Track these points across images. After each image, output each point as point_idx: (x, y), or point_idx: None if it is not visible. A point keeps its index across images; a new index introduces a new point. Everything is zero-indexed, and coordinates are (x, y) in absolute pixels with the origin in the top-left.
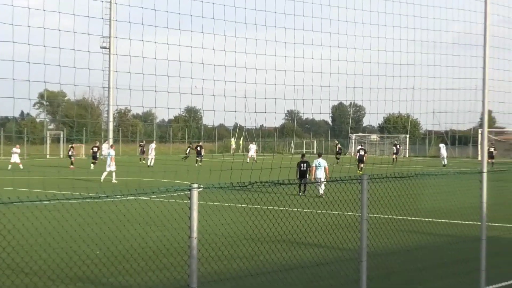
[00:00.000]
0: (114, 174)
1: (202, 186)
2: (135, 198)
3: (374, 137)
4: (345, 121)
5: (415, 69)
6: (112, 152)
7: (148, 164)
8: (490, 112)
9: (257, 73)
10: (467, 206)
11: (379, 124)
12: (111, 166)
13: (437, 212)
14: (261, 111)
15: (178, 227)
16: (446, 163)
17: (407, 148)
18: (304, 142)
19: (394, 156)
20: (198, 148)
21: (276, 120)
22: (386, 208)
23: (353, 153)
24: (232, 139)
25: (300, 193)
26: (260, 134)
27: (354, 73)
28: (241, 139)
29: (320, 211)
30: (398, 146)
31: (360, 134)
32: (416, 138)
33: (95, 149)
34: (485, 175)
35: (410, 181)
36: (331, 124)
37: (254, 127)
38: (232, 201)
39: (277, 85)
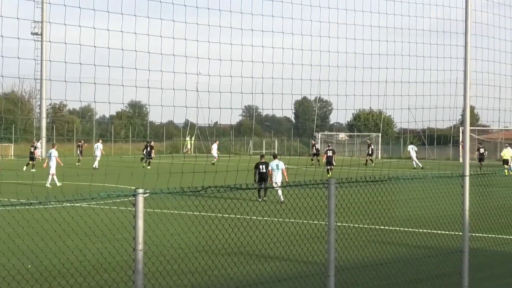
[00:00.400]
0: (50, 177)
1: (148, 191)
2: (72, 205)
3: (343, 136)
4: (309, 118)
5: (388, 60)
6: (55, 153)
7: (94, 166)
8: (472, 108)
9: (211, 63)
10: (448, 214)
11: (348, 121)
12: (52, 169)
13: (414, 220)
14: (216, 106)
15: (122, 238)
16: (420, 165)
17: (379, 148)
18: (263, 141)
19: (368, 157)
20: (148, 148)
21: (232, 117)
22: (356, 216)
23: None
24: (187, 138)
25: (260, 199)
26: (214, 133)
27: (320, 64)
28: (193, 137)
29: (282, 220)
30: (372, 147)
31: (326, 132)
32: (390, 138)
33: (32, 148)
34: (467, 179)
35: (383, 186)
36: (294, 121)
37: (207, 125)
38: (183, 208)
39: (233, 77)
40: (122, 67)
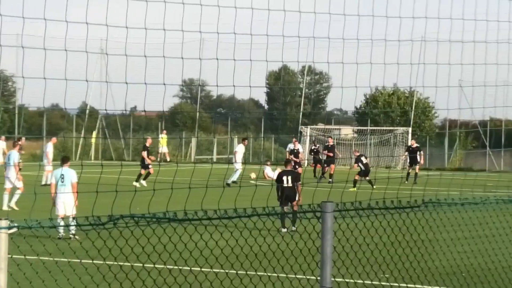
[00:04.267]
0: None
1: (15, 223)
2: None
3: (348, 132)
4: (293, 102)
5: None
6: (14, 155)
7: None
8: None
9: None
10: None
11: (356, 108)
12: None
13: (465, 275)
14: (135, 81)
15: None
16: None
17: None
18: (215, 140)
19: (409, 168)
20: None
21: (165, 99)
22: (367, 265)
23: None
24: (94, 133)
25: (284, 229)
26: (131, 125)
27: (314, 11)
28: (94, 133)
29: (245, 272)
30: (419, 151)
31: (320, 126)
32: (427, 134)
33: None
34: None
35: (413, 216)
36: (266, 106)
37: (121, 112)
38: (65, 252)
39: (167, 32)
40: None
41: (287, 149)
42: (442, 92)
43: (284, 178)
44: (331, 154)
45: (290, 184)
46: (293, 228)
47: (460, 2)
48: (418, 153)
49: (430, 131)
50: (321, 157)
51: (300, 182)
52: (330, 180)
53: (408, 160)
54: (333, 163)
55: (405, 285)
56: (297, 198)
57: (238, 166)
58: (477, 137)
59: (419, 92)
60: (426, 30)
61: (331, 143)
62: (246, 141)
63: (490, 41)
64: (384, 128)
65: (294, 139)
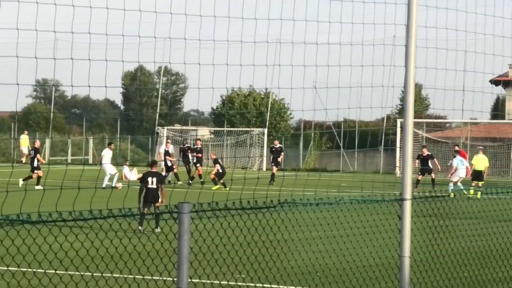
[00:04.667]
0: None
1: None
2: None
3: (205, 133)
4: (149, 103)
5: (282, 9)
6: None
7: None
8: (418, 87)
9: None
10: (371, 263)
11: (213, 109)
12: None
13: (319, 273)
14: None
15: None
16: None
17: (264, 152)
18: (69, 140)
19: (419, 176)
20: None
21: (18, 99)
22: (223, 265)
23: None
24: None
25: (142, 229)
26: None
27: (170, 12)
28: None
29: None
30: (432, 159)
31: (176, 126)
32: (283, 135)
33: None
34: (407, 205)
35: (270, 215)
36: (122, 107)
37: None
38: None
39: (20, 31)
40: None
41: (160, 150)
42: (297, 94)
43: (149, 179)
44: (200, 155)
45: (154, 186)
46: (158, 230)
47: (315, 5)
48: (430, 161)
49: (286, 132)
50: (191, 159)
51: (164, 184)
52: (202, 180)
53: (420, 168)
54: (201, 164)
55: (261, 285)
56: (160, 200)
57: (111, 170)
58: (332, 138)
59: (274, 94)
60: (281, 32)
61: (200, 145)
62: (113, 145)
63: (343, 43)
64: (241, 129)
65: (168, 140)
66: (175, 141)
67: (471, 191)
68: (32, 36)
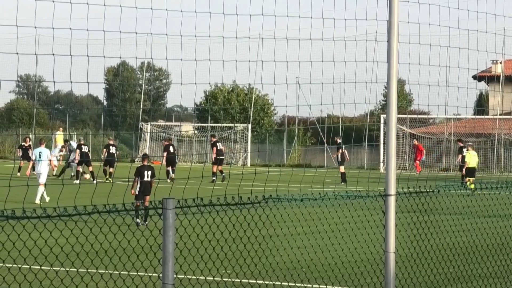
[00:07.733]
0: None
1: None
2: None
3: (189, 129)
4: (133, 98)
5: (264, 4)
6: (45, 151)
7: None
8: (402, 83)
9: None
10: (356, 260)
11: (197, 104)
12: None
13: (304, 269)
14: None
15: None
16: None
17: (248, 148)
18: (54, 136)
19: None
20: None
21: (1, 94)
22: (208, 261)
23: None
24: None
25: (140, 222)
26: None
27: (151, 7)
28: None
29: None
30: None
31: (160, 122)
32: (267, 131)
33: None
34: (392, 201)
35: (254, 211)
36: (105, 102)
37: None
38: None
39: (1, 26)
40: None
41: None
42: (281, 89)
43: (146, 172)
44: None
45: (149, 179)
46: (145, 224)
47: (297, 0)
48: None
49: (269, 128)
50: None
51: (155, 178)
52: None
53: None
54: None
55: (246, 280)
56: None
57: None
58: (315, 134)
59: (257, 89)
60: (263, 28)
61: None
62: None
63: (326, 39)
64: (224, 124)
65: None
66: (159, 137)
67: (472, 186)
68: (13, 32)
